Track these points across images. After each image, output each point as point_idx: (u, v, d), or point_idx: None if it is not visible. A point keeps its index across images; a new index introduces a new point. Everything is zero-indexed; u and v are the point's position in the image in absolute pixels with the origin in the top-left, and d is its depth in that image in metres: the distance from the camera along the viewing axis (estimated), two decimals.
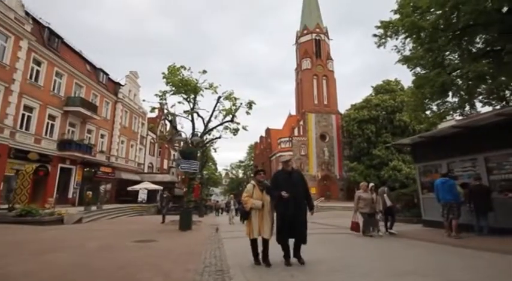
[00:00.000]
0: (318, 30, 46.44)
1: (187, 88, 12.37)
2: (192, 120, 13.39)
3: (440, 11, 9.65)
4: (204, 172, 39.09)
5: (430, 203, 8.97)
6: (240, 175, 65.47)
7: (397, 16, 11.11)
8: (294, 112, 49.07)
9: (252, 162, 62.15)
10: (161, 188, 27.01)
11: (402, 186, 25.85)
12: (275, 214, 4.47)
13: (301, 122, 41.97)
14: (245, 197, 4.38)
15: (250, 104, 13.41)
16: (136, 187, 23.63)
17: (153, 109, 13.48)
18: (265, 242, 4.33)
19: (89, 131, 21.42)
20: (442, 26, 9.73)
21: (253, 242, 4.39)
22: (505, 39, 9.05)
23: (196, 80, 13.00)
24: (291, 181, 4.39)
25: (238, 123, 13.95)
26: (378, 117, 38.05)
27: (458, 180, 8.14)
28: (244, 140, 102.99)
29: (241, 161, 67.47)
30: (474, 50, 10.77)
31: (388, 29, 11.55)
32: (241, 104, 13.53)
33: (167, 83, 12.26)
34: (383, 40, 11.87)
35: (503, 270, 4.14)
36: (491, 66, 9.59)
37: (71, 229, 10.02)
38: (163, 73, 12.50)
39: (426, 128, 20.27)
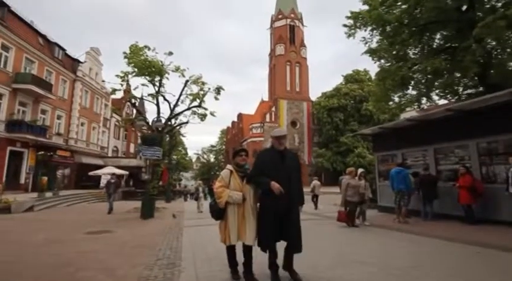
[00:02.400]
0: (292, 15, 46.00)
1: (151, 70, 11.68)
2: (157, 104, 12.79)
3: (405, 6, 9.91)
4: (174, 157, 38.16)
5: (385, 190, 9.56)
6: (212, 160, 65.05)
7: (366, 7, 11.25)
8: (266, 98, 49.07)
9: (224, 147, 61.85)
10: (127, 173, 26.08)
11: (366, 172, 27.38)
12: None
13: (273, 108, 42.21)
14: (219, 187, 3.18)
15: (218, 90, 13.08)
16: (98, 171, 22.46)
17: (114, 91, 12.63)
18: (248, 251, 3.17)
19: (43, 112, 19.66)
20: (406, 21, 10.02)
21: (231, 250, 3.25)
22: (461, 37, 9.56)
23: (162, 61, 12.35)
24: (283, 164, 3.14)
25: (206, 109, 13.63)
26: (347, 106, 39.40)
27: (411, 169, 8.71)
28: (217, 124, 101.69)
29: (213, 146, 66.91)
30: (434, 45, 11.32)
31: (357, 20, 11.69)
32: (209, 89, 13.18)
33: (129, 64, 11.47)
34: (352, 31, 12.01)
35: (444, 258, 4.52)
36: (447, 62, 10.15)
37: (18, 218, 9.29)
38: (124, 52, 11.66)
39: (389, 118, 21.36)
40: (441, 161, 8.21)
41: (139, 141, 35.89)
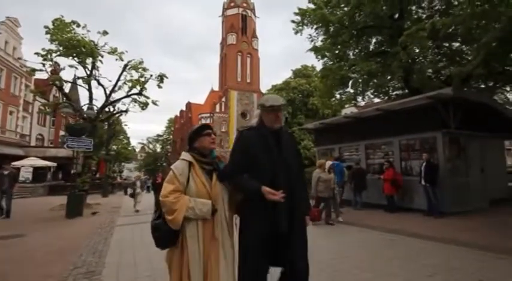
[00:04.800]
0: (245, 4, 45.48)
1: (81, 50, 10.32)
2: (90, 90, 11.49)
3: (347, 9, 10.46)
4: (113, 147, 35.10)
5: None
6: (158, 150, 61.74)
7: (313, 6, 11.58)
8: (216, 87, 48.12)
9: (171, 136, 59.20)
10: (54, 164, 23.10)
11: (311, 164, 29.12)
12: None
13: (223, 99, 41.65)
14: (170, 193, 1.76)
15: (161, 77, 12.27)
16: (17, 163, 19.41)
17: (33, 71, 10.86)
18: None
19: None
20: (346, 23, 10.59)
21: None
22: (392, 42, 10.50)
23: (94, 42, 11.02)
24: (281, 152, 1.91)
25: (147, 97, 12.71)
26: (295, 100, 40.87)
27: (346, 163, 9.41)
28: (167, 113, 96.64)
29: (159, 135, 63.39)
30: (370, 48, 12.26)
31: (304, 17, 11.97)
32: (151, 76, 12.31)
33: (52, 41, 9.94)
34: (300, 27, 12.28)
35: (364, 248, 4.96)
36: (380, 65, 11.10)
37: None
38: (46, 27, 10.04)
39: (332, 113, 22.73)
40: (371, 156, 9.04)
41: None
